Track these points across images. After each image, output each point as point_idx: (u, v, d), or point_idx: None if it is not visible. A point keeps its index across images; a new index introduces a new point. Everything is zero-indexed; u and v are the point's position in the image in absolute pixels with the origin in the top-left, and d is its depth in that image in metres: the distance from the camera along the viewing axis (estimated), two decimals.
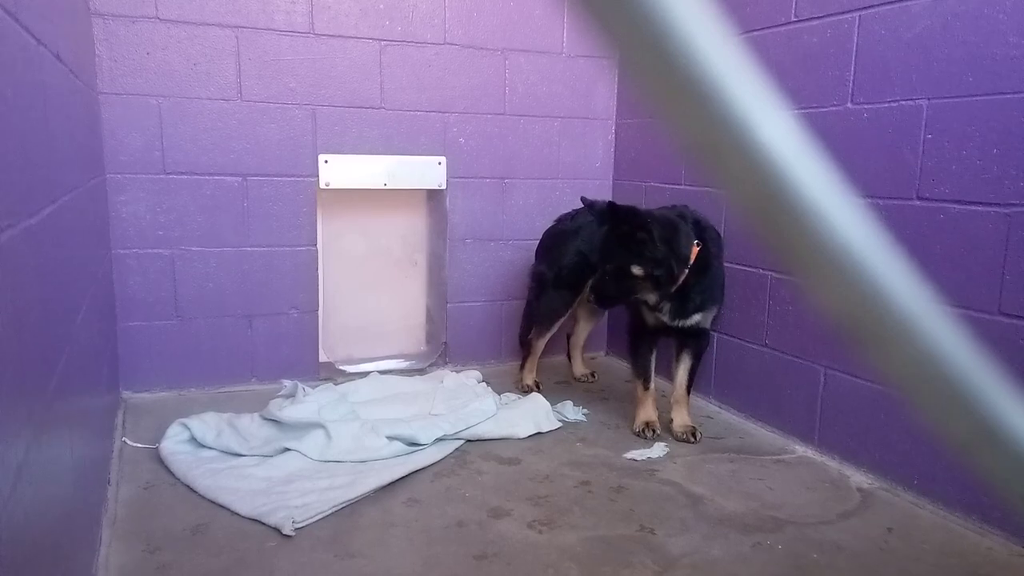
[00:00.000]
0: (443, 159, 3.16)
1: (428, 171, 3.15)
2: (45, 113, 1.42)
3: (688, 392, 2.61)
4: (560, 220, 3.06)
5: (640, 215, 2.32)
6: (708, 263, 2.45)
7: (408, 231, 3.39)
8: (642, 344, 2.62)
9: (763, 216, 0.29)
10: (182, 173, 2.79)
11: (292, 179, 2.94)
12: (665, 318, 2.50)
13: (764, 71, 0.28)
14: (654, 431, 2.56)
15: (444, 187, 3.19)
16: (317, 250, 3.03)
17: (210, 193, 2.83)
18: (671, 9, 0.25)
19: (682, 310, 2.48)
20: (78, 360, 1.63)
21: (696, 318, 2.50)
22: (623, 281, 2.37)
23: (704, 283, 2.46)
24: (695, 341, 2.59)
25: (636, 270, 2.34)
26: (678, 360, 2.61)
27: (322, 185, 2.97)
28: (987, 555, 1.85)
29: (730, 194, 0.30)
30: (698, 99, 0.27)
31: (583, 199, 2.74)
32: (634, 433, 2.58)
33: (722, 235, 2.71)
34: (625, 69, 0.28)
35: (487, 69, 3.17)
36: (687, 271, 2.38)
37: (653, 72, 0.27)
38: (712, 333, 2.75)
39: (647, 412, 2.60)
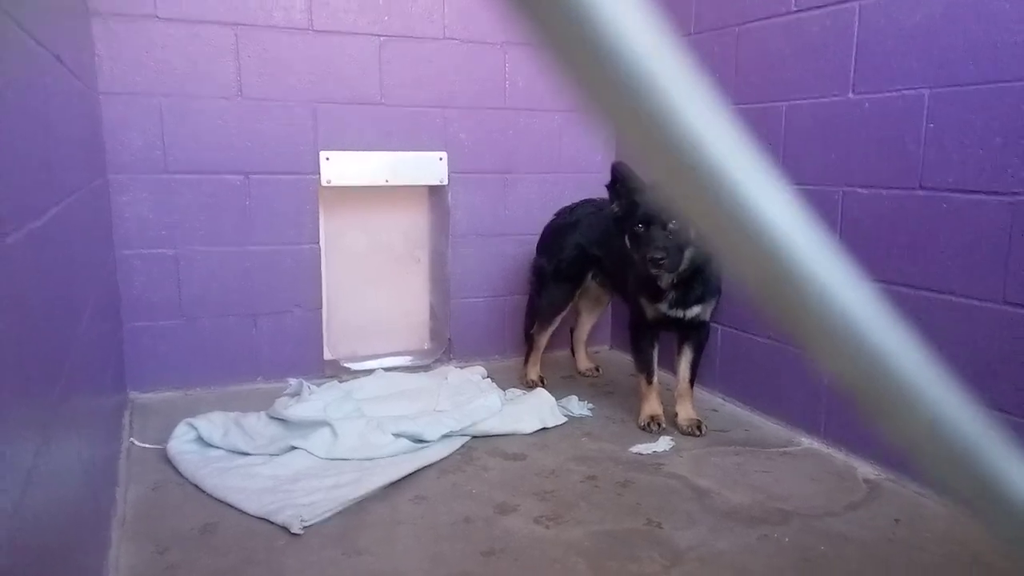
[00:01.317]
0: (444, 155, 3.15)
1: (429, 167, 3.14)
2: (47, 115, 1.42)
3: (691, 385, 2.61)
4: (559, 214, 3.06)
5: None
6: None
7: (410, 227, 3.39)
8: (644, 338, 2.62)
9: (768, 296, 0.29)
10: (184, 172, 2.79)
11: (293, 176, 2.93)
12: (665, 307, 2.49)
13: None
14: (659, 425, 2.56)
15: (446, 183, 3.18)
16: (320, 248, 3.03)
17: (212, 192, 2.83)
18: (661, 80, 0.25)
19: (684, 300, 2.48)
20: (84, 361, 1.64)
21: (696, 310, 2.50)
22: (682, 240, 2.30)
23: (706, 273, 2.46)
24: (696, 334, 2.59)
25: (692, 232, 2.29)
26: (680, 354, 2.62)
27: (323, 182, 2.97)
28: (990, 544, 1.85)
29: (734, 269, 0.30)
30: (698, 186, 0.27)
31: (618, 163, 2.52)
32: (639, 427, 2.58)
33: None
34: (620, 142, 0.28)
35: (487, 63, 3.16)
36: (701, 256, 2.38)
37: (647, 147, 0.27)
38: (713, 326, 2.75)
39: (652, 406, 2.60)
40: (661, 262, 2.27)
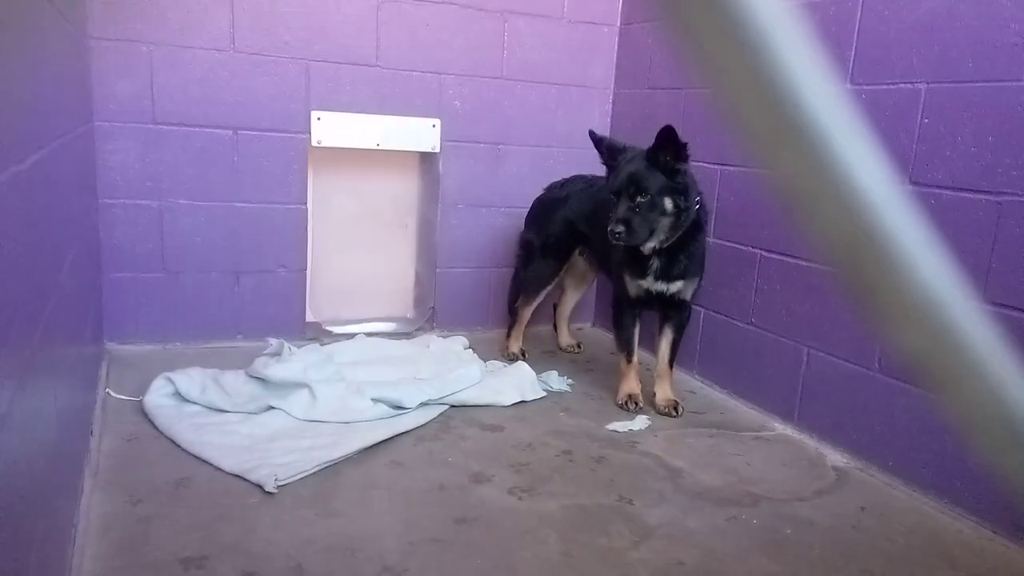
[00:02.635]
0: (437, 121, 3.12)
1: (422, 133, 3.11)
2: (35, 57, 1.39)
3: (671, 366, 2.63)
4: (549, 188, 3.05)
5: (687, 148, 2.28)
6: (701, 226, 2.49)
7: (399, 193, 3.36)
8: (626, 317, 2.63)
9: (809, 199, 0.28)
10: (172, 124, 2.74)
11: (284, 135, 2.90)
12: (649, 280, 2.49)
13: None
14: (637, 404, 2.58)
15: (437, 150, 3.16)
16: (307, 208, 3.01)
17: (200, 145, 2.79)
18: None
19: (668, 272, 2.48)
20: (64, 310, 1.62)
21: (678, 284, 2.51)
22: (651, 214, 2.32)
23: (693, 247, 2.48)
24: (677, 314, 2.61)
25: (668, 203, 2.32)
26: (661, 334, 2.63)
27: (314, 143, 2.94)
28: (957, 537, 1.89)
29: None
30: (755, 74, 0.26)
31: (591, 132, 2.61)
32: (617, 405, 2.60)
33: (713, 211, 2.72)
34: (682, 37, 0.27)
35: (486, 31, 3.12)
36: (687, 225, 2.39)
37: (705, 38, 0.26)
38: (695, 309, 2.76)
39: (630, 385, 2.62)
40: (618, 236, 2.30)
